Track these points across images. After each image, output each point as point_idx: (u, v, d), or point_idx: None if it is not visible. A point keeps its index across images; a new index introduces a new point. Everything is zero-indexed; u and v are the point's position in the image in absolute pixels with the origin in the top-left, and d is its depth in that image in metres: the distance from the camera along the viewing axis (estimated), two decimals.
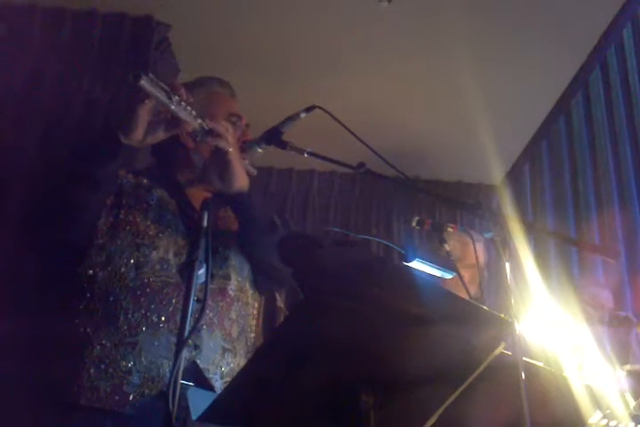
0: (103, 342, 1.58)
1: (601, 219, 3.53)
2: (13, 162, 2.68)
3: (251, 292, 1.85)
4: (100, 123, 2.83)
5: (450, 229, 1.97)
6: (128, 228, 1.68)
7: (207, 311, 1.67)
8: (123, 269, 1.65)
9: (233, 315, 1.76)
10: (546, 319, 2.36)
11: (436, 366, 1.30)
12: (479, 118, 3.30)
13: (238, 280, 1.79)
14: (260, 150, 1.80)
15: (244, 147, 1.80)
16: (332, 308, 1.19)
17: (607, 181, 3.57)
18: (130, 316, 1.61)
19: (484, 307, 1.32)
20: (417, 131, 3.79)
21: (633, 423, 1.78)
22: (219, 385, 1.66)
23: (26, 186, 2.60)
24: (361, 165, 1.79)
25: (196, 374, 1.62)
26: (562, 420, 1.61)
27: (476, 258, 2.34)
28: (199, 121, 1.63)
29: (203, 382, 1.63)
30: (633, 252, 3.34)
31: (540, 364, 1.58)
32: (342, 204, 4.32)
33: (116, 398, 1.54)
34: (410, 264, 1.75)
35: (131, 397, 1.55)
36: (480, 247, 2.59)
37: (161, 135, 1.64)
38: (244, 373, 1.26)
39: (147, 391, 1.56)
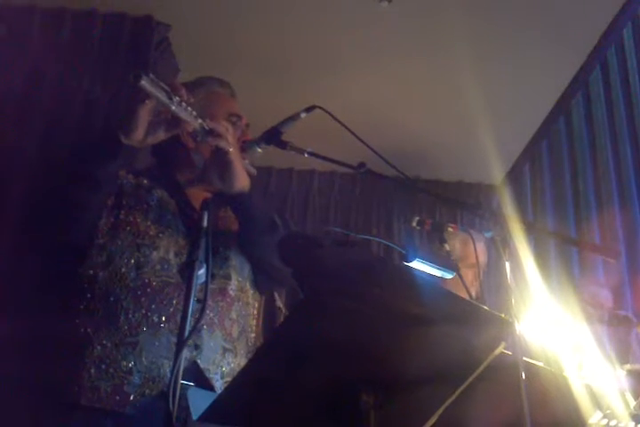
0: (104, 342, 1.58)
1: (601, 219, 3.53)
2: (13, 162, 2.68)
3: (251, 292, 1.85)
4: (100, 123, 2.83)
5: (450, 229, 1.97)
6: (128, 228, 1.68)
7: (207, 311, 1.67)
8: (123, 270, 1.65)
9: (233, 315, 1.76)
10: (546, 319, 2.36)
11: (437, 366, 1.30)
12: (479, 118, 3.31)
13: (239, 280, 1.79)
14: (259, 150, 1.80)
15: (244, 147, 1.80)
16: (333, 308, 1.19)
17: (607, 181, 3.56)
18: (130, 316, 1.61)
19: (485, 307, 1.32)
20: (417, 131, 3.79)
21: (633, 423, 1.78)
22: (219, 385, 1.66)
23: (26, 186, 2.60)
24: (361, 164, 1.79)
25: (196, 374, 1.62)
26: (562, 420, 1.61)
27: (476, 258, 2.34)
28: (199, 121, 1.63)
29: (203, 382, 1.63)
30: (633, 251, 3.34)
31: (540, 364, 1.58)
32: (342, 204, 4.32)
33: (117, 398, 1.54)
34: (410, 264, 1.75)
35: (131, 397, 1.55)
36: (481, 247, 2.59)
37: (161, 135, 1.64)
38: (244, 373, 1.26)
39: (147, 391, 1.56)
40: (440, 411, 1.33)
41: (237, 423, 1.27)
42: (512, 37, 3.14)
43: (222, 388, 1.64)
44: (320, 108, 1.79)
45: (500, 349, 1.32)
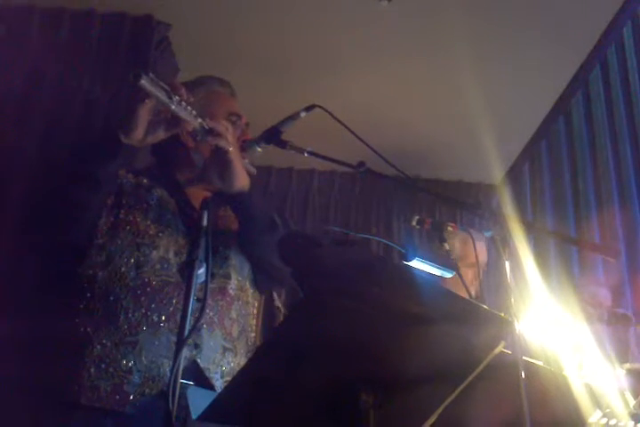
0: (103, 341, 1.58)
1: (601, 218, 3.53)
2: (13, 162, 2.68)
3: (251, 291, 1.85)
4: (100, 123, 2.83)
5: (450, 229, 1.97)
6: (128, 227, 1.68)
7: (207, 311, 1.67)
8: (123, 269, 1.65)
9: (233, 314, 1.76)
10: (545, 318, 2.36)
11: (436, 366, 1.30)
12: (479, 118, 3.31)
13: (238, 279, 1.79)
14: (259, 150, 1.80)
15: (244, 146, 1.80)
16: (332, 307, 1.19)
17: (607, 180, 3.57)
18: (130, 315, 1.61)
19: (484, 306, 1.32)
20: (417, 130, 3.80)
21: (632, 422, 1.78)
22: (219, 384, 1.66)
23: (26, 186, 2.60)
24: (361, 164, 1.79)
25: (196, 374, 1.62)
26: (562, 419, 1.61)
27: (476, 257, 2.34)
28: (199, 120, 1.63)
29: (203, 382, 1.63)
30: (633, 251, 3.34)
31: (540, 363, 1.58)
32: (342, 203, 4.32)
33: (117, 397, 1.54)
34: (410, 263, 1.75)
35: (131, 396, 1.55)
36: (480, 246, 2.59)
37: (161, 135, 1.64)
38: (244, 372, 1.26)
39: (147, 391, 1.56)
40: (440, 410, 1.33)
41: (237, 423, 1.28)
42: (512, 37, 3.14)
43: (222, 387, 1.64)
44: (320, 107, 1.79)
45: (500, 348, 1.32)
